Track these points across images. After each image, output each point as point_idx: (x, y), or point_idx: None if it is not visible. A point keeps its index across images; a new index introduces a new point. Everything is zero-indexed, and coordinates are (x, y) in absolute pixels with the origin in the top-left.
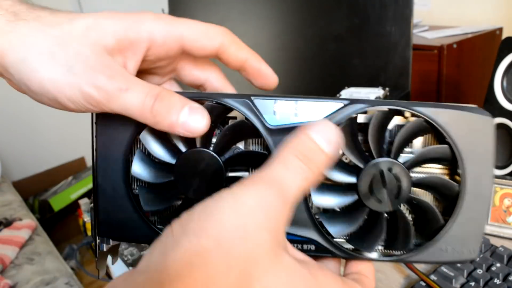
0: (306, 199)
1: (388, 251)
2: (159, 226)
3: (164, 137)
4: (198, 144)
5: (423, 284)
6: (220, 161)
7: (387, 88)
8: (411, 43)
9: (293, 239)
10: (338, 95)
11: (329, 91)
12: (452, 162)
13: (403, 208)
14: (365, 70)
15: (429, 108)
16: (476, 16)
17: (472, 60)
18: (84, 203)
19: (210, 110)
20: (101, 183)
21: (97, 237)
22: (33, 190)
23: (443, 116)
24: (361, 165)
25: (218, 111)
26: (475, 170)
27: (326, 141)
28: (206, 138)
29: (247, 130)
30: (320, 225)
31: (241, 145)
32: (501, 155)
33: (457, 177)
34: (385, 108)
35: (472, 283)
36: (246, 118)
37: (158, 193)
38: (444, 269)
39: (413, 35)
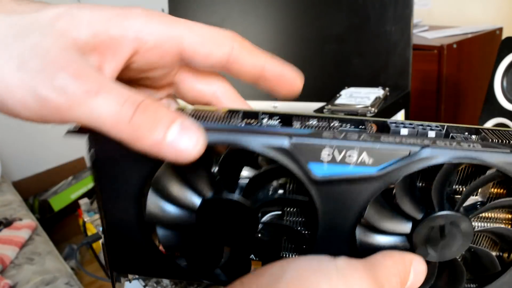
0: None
1: None
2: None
3: (184, 176)
4: (223, 187)
5: None
6: (253, 211)
7: (387, 88)
8: (411, 43)
9: None
10: (338, 95)
11: (329, 91)
12: None
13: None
14: (365, 70)
15: (493, 154)
16: (476, 16)
17: (472, 60)
18: (84, 203)
19: (234, 151)
20: (110, 221)
21: (113, 273)
22: (33, 190)
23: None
24: (418, 216)
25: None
26: None
27: (417, 282)
28: (231, 178)
29: (285, 174)
30: None
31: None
32: None
33: None
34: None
35: None
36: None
37: (178, 235)
38: None
39: (413, 35)
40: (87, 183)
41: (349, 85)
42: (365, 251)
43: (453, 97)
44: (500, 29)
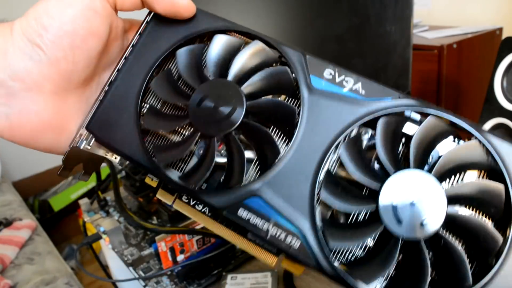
0: (316, 176)
1: None
2: (153, 155)
3: (196, 63)
4: (230, 78)
5: None
6: (244, 102)
7: None
8: (411, 43)
9: (280, 224)
10: None
11: None
12: (499, 213)
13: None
14: (365, 70)
15: (501, 141)
16: (476, 16)
17: (472, 60)
18: (84, 203)
19: (257, 50)
20: (118, 83)
21: (83, 129)
22: (33, 190)
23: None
24: (391, 171)
25: (266, 55)
26: None
27: None
28: (240, 75)
29: (286, 82)
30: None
31: None
32: None
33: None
34: (440, 120)
35: None
36: (290, 69)
37: (167, 117)
38: None
39: (413, 35)
40: (87, 183)
41: None
42: (329, 182)
43: (453, 97)
44: (500, 29)
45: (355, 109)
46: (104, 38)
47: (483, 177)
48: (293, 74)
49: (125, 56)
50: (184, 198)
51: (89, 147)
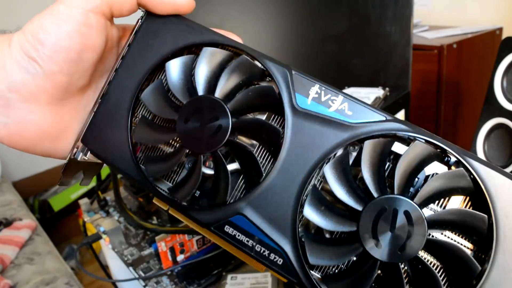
0: (298, 202)
1: None
2: (141, 165)
3: (188, 74)
4: (217, 94)
5: None
6: (230, 118)
7: (387, 88)
8: (411, 43)
9: (264, 242)
10: None
11: None
12: (480, 241)
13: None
14: (365, 70)
15: (484, 166)
16: (476, 16)
17: (472, 60)
18: (84, 203)
19: (243, 65)
20: (110, 96)
21: (78, 142)
22: (33, 190)
23: (497, 181)
24: (375, 194)
25: (251, 70)
26: (508, 263)
27: None
28: (227, 92)
29: (271, 100)
30: (300, 240)
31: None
32: (501, 155)
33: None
34: (425, 142)
35: None
36: (276, 87)
37: (157, 129)
38: None
39: (413, 35)
40: None
41: (349, 85)
42: (315, 201)
43: (453, 97)
44: (500, 29)
45: (340, 133)
46: (100, 51)
47: (467, 202)
48: (278, 92)
49: (116, 68)
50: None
51: (86, 158)
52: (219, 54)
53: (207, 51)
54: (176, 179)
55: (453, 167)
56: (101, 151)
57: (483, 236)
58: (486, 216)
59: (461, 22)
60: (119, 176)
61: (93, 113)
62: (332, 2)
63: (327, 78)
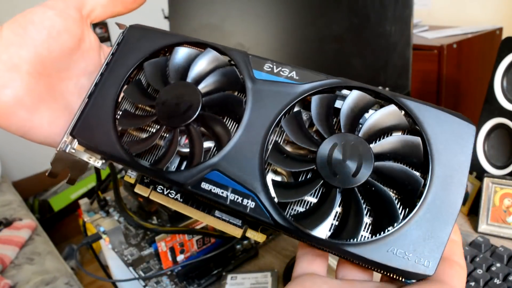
0: (263, 148)
1: (334, 238)
2: (127, 149)
3: (163, 71)
4: (190, 80)
5: None
6: (200, 95)
7: (387, 88)
8: (411, 43)
9: (237, 190)
10: None
11: None
12: (420, 162)
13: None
14: (365, 70)
15: (414, 102)
16: (476, 16)
17: (472, 60)
18: (84, 203)
19: (208, 55)
20: (97, 95)
21: (67, 135)
22: (33, 190)
23: (428, 113)
24: (326, 136)
25: (216, 59)
26: (446, 173)
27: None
28: (197, 79)
29: (233, 78)
30: (267, 184)
31: None
32: (501, 155)
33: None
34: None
35: (472, 283)
36: (237, 68)
37: (138, 116)
38: None
39: (413, 35)
40: (87, 183)
41: None
42: (275, 152)
43: (453, 97)
44: (500, 29)
45: (291, 90)
46: (76, 38)
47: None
48: (238, 69)
49: (101, 73)
50: (158, 189)
51: (73, 151)
52: (188, 50)
53: (178, 49)
54: (154, 158)
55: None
56: (89, 141)
57: (420, 157)
58: (419, 138)
59: (461, 22)
60: (119, 176)
61: (81, 110)
62: (332, 2)
63: None
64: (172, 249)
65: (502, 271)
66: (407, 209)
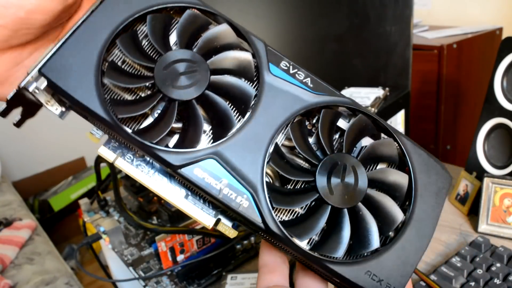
0: (267, 147)
1: (317, 251)
2: (110, 106)
3: (164, 32)
4: (196, 49)
5: (423, 284)
6: (208, 76)
7: (387, 88)
8: (411, 43)
9: (232, 185)
10: None
11: None
12: (402, 197)
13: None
14: (365, 70)
15: (410, 143)
16: (476, 16)
17: (472, 60)
18: (84, 203)
19: (223, 32)
20: (82, 32)
21: (34, 71)
22: (33, 190)
23: (418, 155)
24: (328, 152)
25: (231, 38)
26: (423, 212)
27: None
28: (205, 51)
29: (247, 67)
30: (266, 186)
31: None
32: (501, 155)
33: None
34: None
35: (472, 283)
36: (253, 56)
37: (129, 74)
38: (444, 269)
39: (413, 35)
40: (87, 183)
41: (349, 85)
42: (277, 156)
43: (453, 97)
44: (500, 29)
45: (305, 97)
46: (52, 15)
47: (392, 166)
48: (255, 60)
49: (92, 10)
50: (127, 157)
51: (37, 92)
52: (201, 18)
53: (190, 13)
54: (137, 127)
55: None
56: (62, 84)
57: (403, 193)
58: (407, 176)
59: (461, 22)
60: (119, 176)
61: (58, 45)
62: (332, 2)
63: (327, 78)
64: (172, 249)
65: (502, 271)
66: (383, 237)
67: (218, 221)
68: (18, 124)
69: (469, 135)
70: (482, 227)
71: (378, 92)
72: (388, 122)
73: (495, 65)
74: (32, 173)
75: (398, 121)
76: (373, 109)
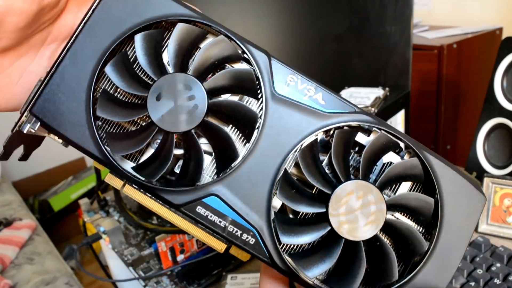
0: (273, 185)
1: (328, 284)
2: (105, 145)
3: (156, 51)
4: (190, 72)
5: None
6: (207, 101)
7: (387, 88)
8: (411, 43)
9: (237, 222)
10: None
11: None
12: (426, 222)
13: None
14: (365, 70)
15: (439, 161)
16: (476, 16)
17: (472, 60)
18: (84, 203)
19: (221, 46)
20: (67, 64)
21: (26, 111)
22: (33, 190)
23: (448, 175)
24: (342, 179)
25: (229, 52)
26: (450, 240)
27: None
28: (202, 70)
29: (248, 83)
30: (273, 221)
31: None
32: (501, 155)
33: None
34: (388, 134)
35: (472, 283)
36: (255, 72)
37: (122, 104)
38: None
39: (413, 35)
40: (87, 183)
41: (349, 85)
42: (285, 185)
43: (453, 97)
44: (500, 29)
45: (314, 120)
46: (26, 16)
47: (416, 189)
48: (256, 75)
49: (76, 35)
50: (134, 184)
51: (33, 131)
52: (194, 32)
53: (181, 26)
54: (138, 157)
55: (406, 157)
56: (55, 124)
57: (429, 217)
58: (433, 200)
59: (461, 22)
60: None
61: (43, 83)
62: (332, 2)
63: (327, 78)
64: (172, 249)
65: (502, 271)
66: (403, 265)
67: (230, 246)
68: (25, 158)
69: (469, 135)
70: (482, 227)
71: (378, 92)
72: (388, 122)
73: (495, 65)
74: (32, 173)
75: (398, 121)
76: (373, 109)
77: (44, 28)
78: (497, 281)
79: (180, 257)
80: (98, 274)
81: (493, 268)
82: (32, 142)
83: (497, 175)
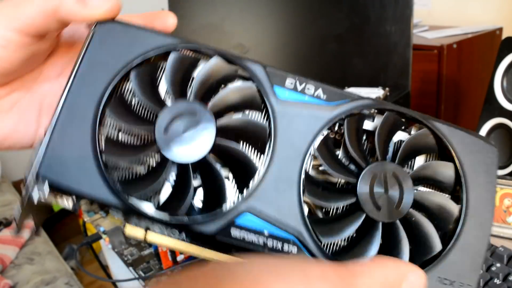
0: (299, 182)
1: None
2: (118, 187)
3: (151, 86)
4: (192, 98)
5: None
6: (214, 123)
7: (387, 88)
8: (411, 43)
9: (274, 235)
10: None
11: None
12: (451, 187)
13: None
14: (365, 70)
15: (445, 126)
16: (476, 16)
17: (472, 60)
18: (84, 203)
19: (217, 67)
20: (66, 115)
21: (34, 180)
22: None
23: (457, 137)
24: (363, 165)
25: (226, 71)
26: (478, 196)
27: None
28: (205, 91)
29: (251, 97)
30: (310, 223)
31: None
32: (501, 155)
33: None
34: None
35: None
36: (256, 85)
37: (130, 147)
38: None
39: (413, 35)
40: None
41: (349, 85)
42: (310, 185)
43: (453, 97)
44: (500, 29)
45: (322, 114)
46: (11, 64)
47: (432, 158)
48: (257, 87)
49: (69, 87)
50: (156, 228)
51: (43, 197)
52: (187, 59)
53: (175, 57)
54: (156, 197)
55: (413, 131)
56: (65, 182)
57: (452, 181)
58: (452, 163)
59: (461, 22)
60: None
61: (44, 144)
62: (332, 2)
63: (327, 78)
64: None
65: (502, 271)
66: (441, 234)
67: None
68: (38, 233)
69: None
70: None
71: (378, 92)
72: None
73: (495, 65)
74: None
75: None
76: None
77: (37, 66)
78: (497, 281)
79: (180, 257)
80: (98, 274)
81: (493, 268)
82: (39, 211)
83: (497, 175)
